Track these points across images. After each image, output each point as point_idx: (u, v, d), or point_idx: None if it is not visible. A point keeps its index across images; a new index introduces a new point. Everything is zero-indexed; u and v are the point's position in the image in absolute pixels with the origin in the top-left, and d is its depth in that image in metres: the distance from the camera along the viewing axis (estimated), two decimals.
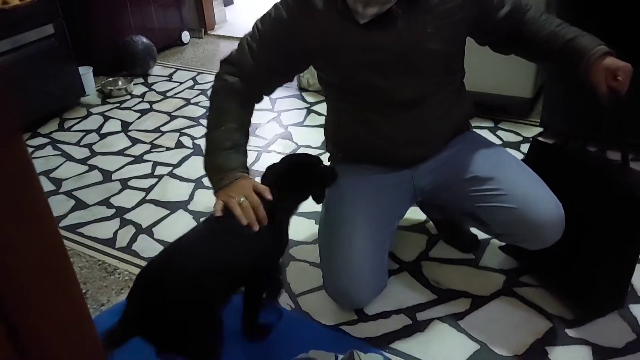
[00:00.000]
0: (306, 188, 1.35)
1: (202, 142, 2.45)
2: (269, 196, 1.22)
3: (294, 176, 1.32)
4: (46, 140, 2.62)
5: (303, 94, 2.87)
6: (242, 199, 1.19)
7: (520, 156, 1.51)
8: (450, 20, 1.29)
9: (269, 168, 1.36)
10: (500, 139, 2.28)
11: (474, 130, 1.59)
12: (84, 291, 1.65)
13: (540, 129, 2.30)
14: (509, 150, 1.72)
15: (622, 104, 1.24)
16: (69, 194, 2.17)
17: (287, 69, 1.40)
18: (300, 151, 2.30)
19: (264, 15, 1.34)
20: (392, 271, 1.61)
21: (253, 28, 1.36)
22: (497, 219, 1.37)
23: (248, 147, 1.35)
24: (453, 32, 1.31)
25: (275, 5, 1.32)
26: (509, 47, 1.45)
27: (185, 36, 3.76)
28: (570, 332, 1.39)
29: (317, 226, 1.53)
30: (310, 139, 2.42)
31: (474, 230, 1.73)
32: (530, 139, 2.23)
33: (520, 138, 2.28)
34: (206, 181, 2.12)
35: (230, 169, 1.26)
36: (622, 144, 1.33)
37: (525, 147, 2.06)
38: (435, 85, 1.37)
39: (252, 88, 1.36)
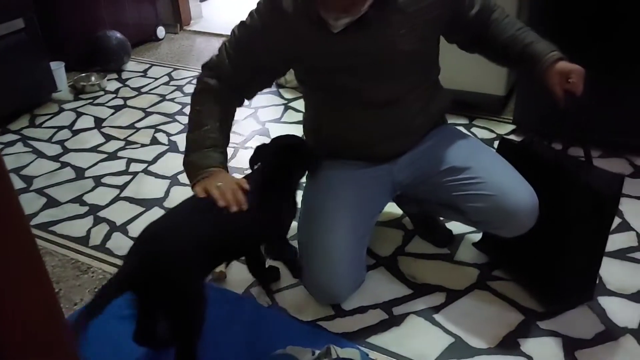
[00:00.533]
0: (299, 167, 1.42)
1: (177, 139, 2.45)
2: (246, 186, 1.28)
3: (287, 156, 1.38)
4: (16, 136, 2.56)
5: (280, 90, 2.87)
6: (218, 184, 1.24)
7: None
8: (423, 20, 1.31)
9: (259, 148, 1.42)
10: (475, 135, 2.31)
11: (449, 124, 1.61)
12: (56, 290, 1.62)
13: (513, 126, 2.35)
14: None
15: (581, 104, 1.28)
16: (40, 191, 2.13)
17: (264, 74, 1.42)
18: None
19: (241, 22, 1.38)
20: (369, 266, 1.62)
21: (231, 33, 1.39)
22: (474, 207, 1.39)
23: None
24: (426, 31, 1.33)
25: (250, 13, 1.36)
26: (474, 46, 1.48)
27: (161, 31, 3.71)
28: (542, 324, 1.43)
29: (295, 222, 1.53)
30: None
31: (448, 225, 1.75)
32: (504, 136, 2.28)
33: (494, 135, 2.32)
34: (182, 178, 2.13)
35: (208, 166, 1.29)
36: (585, 142, 1.36)
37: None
38: (411, 84, 1.40)
39: (231, 91, 1.39)
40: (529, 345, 1.37)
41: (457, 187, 1.41)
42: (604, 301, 1.49)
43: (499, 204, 1.33)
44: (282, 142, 1.44)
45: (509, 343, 1.38)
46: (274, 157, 1.40)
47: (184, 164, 1.35)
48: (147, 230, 1.22)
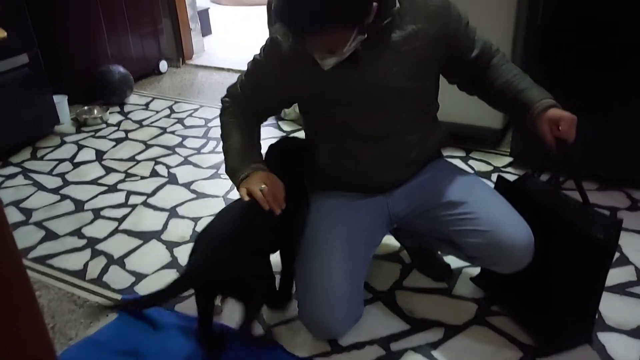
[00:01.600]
0: (304, 166, 1.48)
1: (177, 171, 2.47)
2: (282, 185, 1.34)
3: (292, 159, 1.46)
4: (17, 169, 2.58)
5: (279, 122, 2.90)
6: (262, 186, 1.29)
7: (491, 185, 1.54)
8: (417, 60, 1.34)
9: (268, 152, 1.49)
10: (472, 168, 2.33)
11: (445, 158, 1.63)
12: (51, 325, 1.61)
13: (510, 159, 2.36)
14: None
15: (573, 150, 1.29)
16: (39, 224, 2.13)
17: (271, 103, 1.50)
18: None
19: (254, 56, 1.47)
20: (366, 301, 1.61)
21: (247, 64, 1.49)
22: (470, 242, 1.39)
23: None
24: (420, 70, 1.36)
25: (260, 48, 1.46)
26: (473, 89, 1.51)
27: (163, 65, 3.78)
28: None
29: None
30: None
31: (446, 258, 1.75)
32: (501, 169, 2.29)
33: (491, 167, 2.33)
34: (180, 210, 2.14)
35: (245, 165, 1.37)
36: (579, 181, 1.35)
37: (496, 177, 2.11)
38: (407, 118, 1.42)
39: (247, 112, 1.48)
40: None
41: (453, 222, 1.42)
42: (604, 337, 1.47)
43: (494, 240, 1.34)
44: (279, 147, 1.50)
45: None
46: (274, 161, 1.45)
47: (226, 172, 1.43)
48: (205, 233, 1.33)
